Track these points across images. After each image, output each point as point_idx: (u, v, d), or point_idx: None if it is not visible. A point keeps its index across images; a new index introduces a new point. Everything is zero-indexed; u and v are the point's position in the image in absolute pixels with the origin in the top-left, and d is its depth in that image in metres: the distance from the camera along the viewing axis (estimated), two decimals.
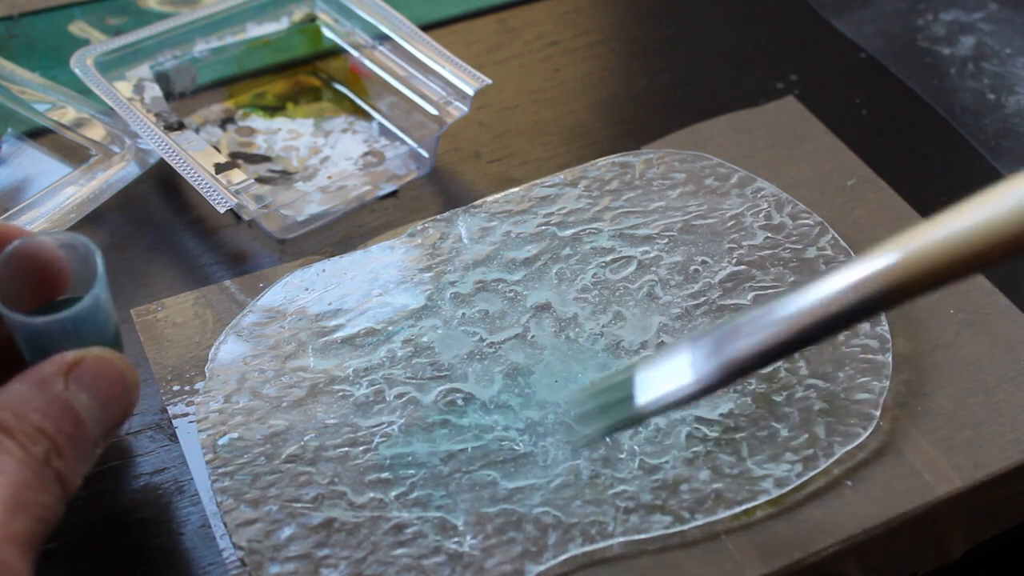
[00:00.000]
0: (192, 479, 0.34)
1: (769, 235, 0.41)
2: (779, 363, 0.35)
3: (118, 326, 0.32)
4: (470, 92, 0.44)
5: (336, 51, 0.49)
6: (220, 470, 0.34)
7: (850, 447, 0.34)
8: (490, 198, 0.42)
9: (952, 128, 0.48)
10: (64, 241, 0.31)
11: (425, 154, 0.45)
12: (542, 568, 0.32)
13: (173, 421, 0.35)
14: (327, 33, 0.49)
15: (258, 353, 0.37)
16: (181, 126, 0.42)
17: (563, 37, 0.53)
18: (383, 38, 0.47)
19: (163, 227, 0.43)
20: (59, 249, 0.31)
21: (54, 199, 0.41)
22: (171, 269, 0.42)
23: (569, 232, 0.41)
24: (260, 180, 0.44)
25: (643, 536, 0.32)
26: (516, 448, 0.34)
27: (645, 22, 0.54)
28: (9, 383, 0.28)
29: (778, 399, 0.35)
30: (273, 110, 0.48)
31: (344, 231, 0.43)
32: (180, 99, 0.47)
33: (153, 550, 0.33)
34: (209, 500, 0.34)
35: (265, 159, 0.45)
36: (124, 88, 0.44)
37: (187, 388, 0.36)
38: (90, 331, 0.30)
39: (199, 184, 0.40)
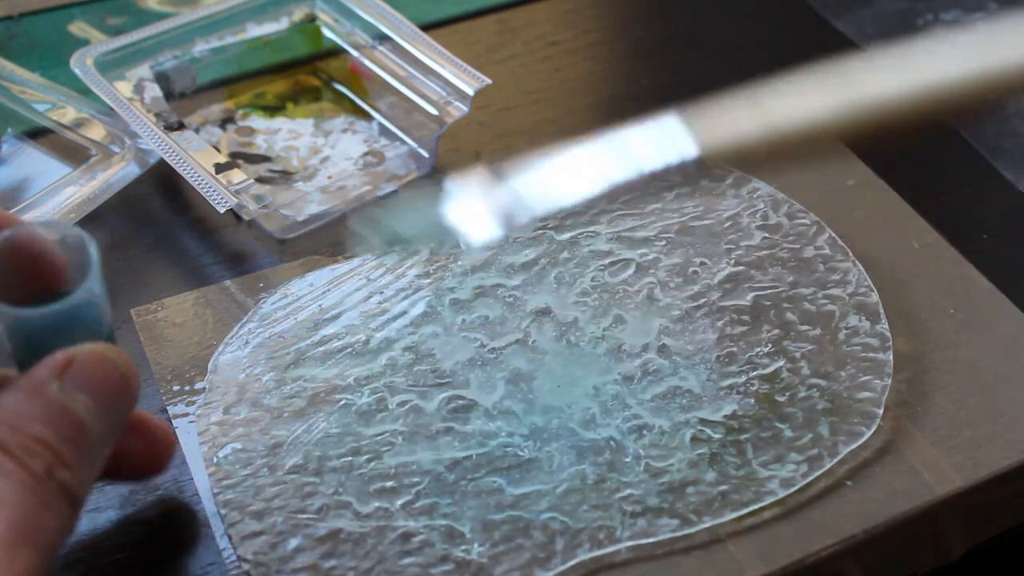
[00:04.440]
0: (192, 479, 0.34)
1: (766, 235, 0.41)
2: (779, 362, 0.36)
3: (111, 322, 0.30)
4: (470, 92, 0.44)
5: (336, 51, 0.49)
6: (223, 482, 0.33)
7: (854, 446, 0.34)
8: None
9: (952, 128, 0.48)
10: (57, 232, 0.29)
11: (425, 154, 0.45)
12: (551, 574, 0.32)
13: (173, 421, 0.35)
14: (327, 33, 0.49)
15: (257, 363, 0.37)
16: (181, 126, 0.42)
17: (563, 37, 0.53)
18: (383, 38, 0.47)
19: (163, 227, 0.43)
20: (53, 241, 0.29)
21: (54, 199, 0.41)
22: (171, 269, 0.42)
23: (567, 236, 0.41)
24: (260, 180, 0.44)
25: (651, 540, 0.32)
26: (521, 454, 0.34)
27: (645, 22, 0.54)
28: (1, 396, 0.26)
29: (781, 399, 0.36)
30: (273, 110, 0.48)
31: (344, 231, 0.43)
32: (180, 99, 0.47)
33: (153, 550, 0.33)
34: (209, 500, 0.34)
35: (265, 159, 0.45)
36: (124, 88, 0.44)
37: (187, 388, 0.36)
38: (84, 326, 0.29)
39: (199, 184, 0.40)
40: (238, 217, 0.43)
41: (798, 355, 0.37)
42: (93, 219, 0.42)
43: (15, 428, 0.26)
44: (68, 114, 0.45)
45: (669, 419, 0.35)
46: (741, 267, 0.40)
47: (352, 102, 0.48)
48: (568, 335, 0.38)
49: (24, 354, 0.28)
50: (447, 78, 0.44)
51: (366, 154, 0.46)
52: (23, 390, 0.26)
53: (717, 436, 0.35)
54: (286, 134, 0.47)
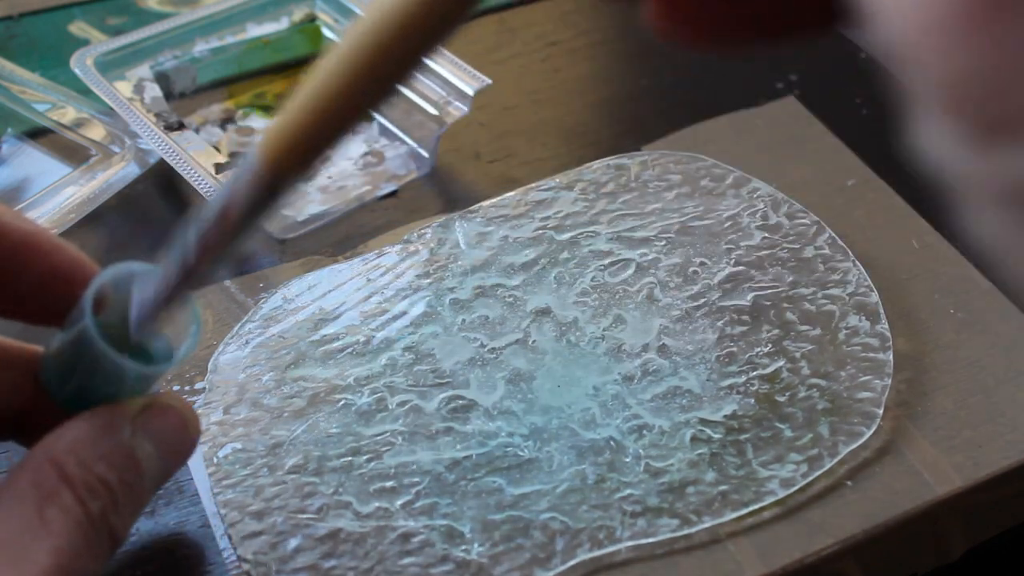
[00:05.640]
0: (192, 479, 0.34)
1: (766, 235, 0.41)
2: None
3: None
4: (470, 92, 0.44)
5: None
6: (223, 482, 0.33)
7: (854, 446, 0.34)
8: (486, 203, 0.42)
9: None
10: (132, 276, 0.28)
11: (425, 154, 0.45)
12: (551, 574, 0.32)
13: None
14: (327, 33, 0.49)
15: (257, 363, 0.37)
16: (181, 126, 0.42)
17: (563, 37, 0.53)
18: None
19: (163, 227, 0.43)
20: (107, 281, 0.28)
21: (54, 199, 0.41)
22: None
23: (567, 236, 0.41)
24: None
25: (651, 540, 0.32)
26: (521, 454, 0.34)
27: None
28: (72, 422, 0.26)
29: (781, 399, 0.36)
30: (273, 110, 0.48)
31: (344, 231, 0.43)
32: (180, 99, 0.47)
33: (153, 550, 0.33)
34: (209, 500, 0.34)
35: None
36: (124, 88, 0.44)
37: (187, 388, 0.36)
38: (153, 378, 0.29)
39: (199, 184, 0.40)
40: None
41: (798, 355, 0.37)
42: (93, 219, 0.42)
43: (83, 464, 0.26)
44: (68, 114, 0.45)
45: (669, 419, 0.35)
46: (741, 267, 0.40)
47: None
48: (568, 335, 0.38)
49: (77, 372, 0.28)
50: (447, 78, 0.44)
51: (366, 154, 0.46)
52: (96, 425, 0.27)
53: (717, 436, 0.35)
54: None
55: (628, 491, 0.33)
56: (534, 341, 0.37)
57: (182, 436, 0.28)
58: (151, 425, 0.27)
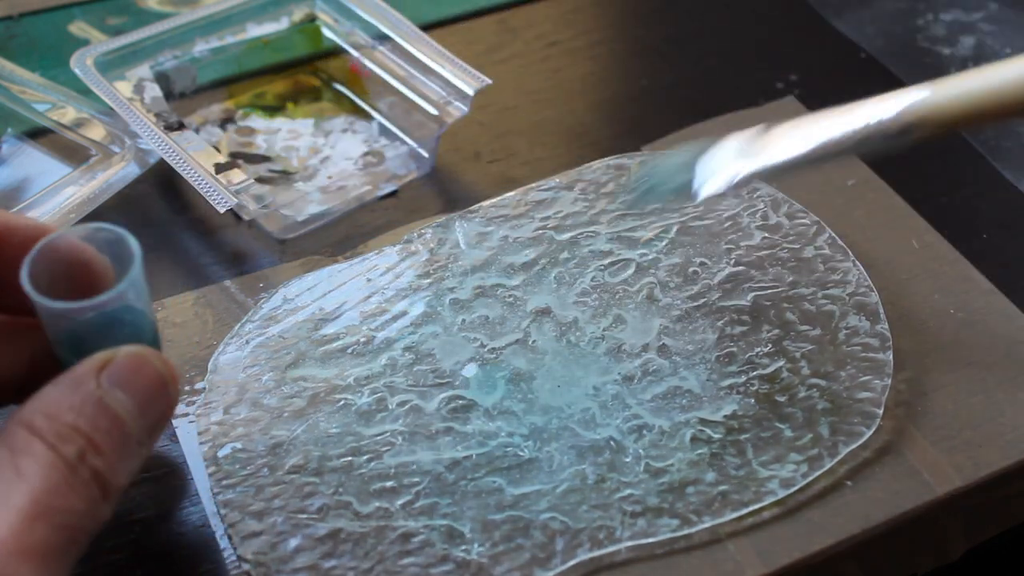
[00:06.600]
0: (192, 479, 0.34)
1: (766, 235, 0.41)
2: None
3: (155, 323, 0.30)
4: (470, 92, 0.44)
5: (336, 51, 0.49)
6: (223, 482, 0.33)
7: (854, 446, 0.34)
8: (486, 203, 0.42)
9: None
10: (98, 235, 0.29)
11: (425, 154, 0.45)
12: (551, 574, 0.32)
13: (173, 421, 0.35)
14: (327, 33, 0.49)
15: (257, 363, 0.37)
16: (181, 126, 0.42)
17: (563, 37, 0.53)
18: (383, 38, 0.47)
19: (163, 227, 0.43)
20: (94, 246, 0.29)
21: (54, 199, 0.41)
22: (171, 269, 0.42)
23: (567, 236, 0.41)
24: (260, 180, 0.44)
25: (651, 540, 0.32)
26: (521, 454, 0.34)
27: (645, 22, 0.54)
28: (42, 388, 0.27)
29: (781, 399, 0.36)
30: (273, 110, 0.48)
31: (344, 231, 0.43)
32: (180, 99, 0.47)
33: (153, 550, 0.33)
34: (209, 500, 0.34)
35: (265, 159, 0.45)
36: (124, 88, 0.44)
37: (187, 388, 0.36)
38: (123, 324, 0.29)
39: (199, 184, 0.40)
40: (238, 217, 0.43)
41: (798, 355, 0.37)
42: (93, 219, 0.42)
43: (50, 416, 0.26)
44: (68, 114, 0.45)
45: (669, 419, 0.35)
46: (741, 267, 0.40)
47: (352, 102, 0.48)
48: (568, 335, 0.38)
49: (65, 351, 0.29)
50: (447, 78, 0.44)
51: (366, 154, 0.46)
52: (61, 383, 0.27)
53: (717, 436, 0.35)
54: (286, 134, 0.47)
55: (628, 491, 0.33)
56: (534, 341, 0.37)
57: (154, 384, 0.28)
58: (118, 375, 0.27)
